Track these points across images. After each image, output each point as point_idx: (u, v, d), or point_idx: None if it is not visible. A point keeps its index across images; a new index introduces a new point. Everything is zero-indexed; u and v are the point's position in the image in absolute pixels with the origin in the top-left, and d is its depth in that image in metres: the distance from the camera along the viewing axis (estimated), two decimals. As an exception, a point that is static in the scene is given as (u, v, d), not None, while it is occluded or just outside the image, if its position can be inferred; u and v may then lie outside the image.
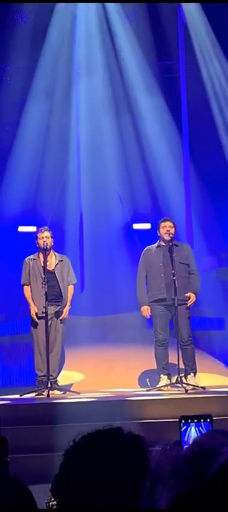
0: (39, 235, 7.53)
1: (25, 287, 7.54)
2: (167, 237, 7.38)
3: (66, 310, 7.49)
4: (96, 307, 9.71)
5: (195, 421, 2.81)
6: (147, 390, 7.34)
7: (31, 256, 7.63)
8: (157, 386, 7.35)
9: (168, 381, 7.34)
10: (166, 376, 7.37)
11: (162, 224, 7.53)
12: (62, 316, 7.44)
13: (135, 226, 10.21)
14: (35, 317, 7.32)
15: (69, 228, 10.13)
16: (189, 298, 7.36)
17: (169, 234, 7.36)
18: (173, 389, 7.21)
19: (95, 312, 9.64)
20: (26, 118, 9.90)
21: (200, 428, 2.80)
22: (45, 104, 9.90)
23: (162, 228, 7.49)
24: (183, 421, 2.83)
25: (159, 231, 7.54)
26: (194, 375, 7.38)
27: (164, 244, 7.51)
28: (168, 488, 1.19)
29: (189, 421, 2.80)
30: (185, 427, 2.79)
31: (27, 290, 7.51)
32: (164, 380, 7.35)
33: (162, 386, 7.28)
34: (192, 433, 2.80)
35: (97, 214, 10.07)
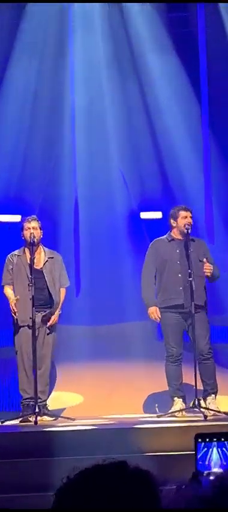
0: (26, 225, 7.52)
1: (6, 287, 7.53)
2: (185, 230, 7.38)
3: (55, 315, 7.46)
4: (95, 315, 9.71)
5: (215, 440, 2.75)
6: (157, 416, 7.34)
7: (15, 252, 7.63)
8: (170, 411, 7.35)
9: (183, 404, 7.35)
10: (181, 399, 7.38)
11: (183, 213, 7.52)
12: (50, 322, 7.42)
13: (143, 215, 10.18)
14: (14, 307, 7.28)
15: (62, 217, 10.12)
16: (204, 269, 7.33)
17: (189, 227, 7.38)
18: (189, 415, 7.20)
19: (93, 320, 9.64)
20: (7, 82, 9.86)
21: (224, 449, 2.74)
22: (32, 64, 9.87)
23: (183, 219, 7.48)
24: (199, 440, 2.78)
25: (176, 221, 7.53)
26: (215, 397, 7.37)
27: (180, 237, 7.49)
28: None
29: (208, 440, 2.74)
30: (205, 448, 2.74)
31: (8, 291, 7.49)
32: (178, 404, 7.36)
33: (175, 412, 7.28)
34: (214, 456, 2.75)
35: (96, 200, 10.05)
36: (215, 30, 9.95)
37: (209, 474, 2.87)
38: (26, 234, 7.50)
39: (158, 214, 9.98)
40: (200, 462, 2.85)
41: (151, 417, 7.54)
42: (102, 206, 10.13)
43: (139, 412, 7.99)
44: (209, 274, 7.39)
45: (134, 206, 10.27)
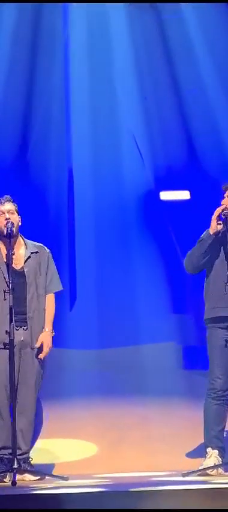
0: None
1: None
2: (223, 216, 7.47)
3: (47, 339, 7.50)
4: (96, 335, 9.75)
5: None
6: (183, 475, 7.36)
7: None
8: (200, 467, 7.36)
9: (220, 459, 7.35)
10: (217, 451, 7.38)
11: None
12: (44, 351, 7.46)
13: (164, 195, 10.22)
14: None
15: (50, 198, 10.16)
16: None
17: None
18: (226, 473, 7.19)
19: (93, 343, 9.68)
20: None
21: None
22: None
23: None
24: None
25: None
26: None
27: (221, 228, 7.56)
28: None
29: None
30: None
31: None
32: (212, 457, 7.37)
33: (208, 468, 7.29)
34: None
35: (98, 174, 10.09)
36: None
37: None
38: (0, 221, 7.52)
39: (184, 194, 10.03)
40: None
41: (173, 475, 7.54)
42: (107, 183, 10.16)
43: (156, 469, 8.00)
44: None
45: (151, 184, 10.31)
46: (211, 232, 7.51)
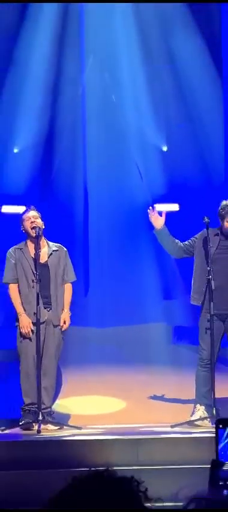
0: (26, 216, 7.50)
1: (11, 286, 7.48)
2: None
3: (66, 317, 7.42)
4: (106, 316, 9.70)
5: None
6: (171, 426, 7.23)
7: (17, 246, 7.59)
8: (188, 419, 7.27)
9: (205, 413, 7.25)
10: (203, 407, 7.28)
11: None
12: (65, 326, 7.41)
13: (158, 207, 10.13)
14: (29, 331, 7.26)
15: (70, 208, 10.11)
16: None
17: None
18: (210, 424, 7.11)
19: (103, 322, 9.63)
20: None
21: None
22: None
23: None
24: (221, 426, 2.79)
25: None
26: None
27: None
28: None
29: None
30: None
31: (14, 290, 7.45)
32: (199, 411, 7.27)
33: (195, 420, 7.20)
34: None
35: (108, 191, 10.05)
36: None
37: None
38: (27, 225, 7.45)
39: (174, 206, 9.92)
40: (222, 452, 2.87)
41: (165, 426, 7.44)
42: (114, 197, 10.12)
43: (152, 422, 7.90)
44: None
45: (148, 197, 10.23)
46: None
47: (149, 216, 7.57)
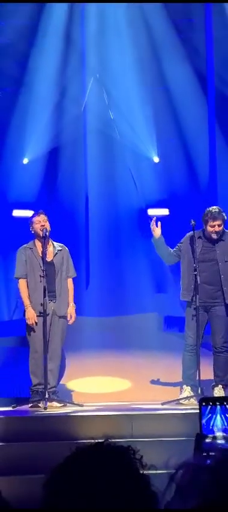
0: (36, 219, 7.51)
1: (21, 281, 7.51)
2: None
3: (72, 312, 7.45)
4: (104, 307, 9.68)
5: (218, 404, 2.75)
6: (162, 404, 7.26)
7: (26, 245, 7.60)
8: (176, 398, 7.28)
9: (191, 392, 7.27)
10: (189, 388, 7.30)
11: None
12: (71, 321, 7.44)
13: (150, 211, 10.14)
14: (33, 322, 7.28)
15: (72, 213, 10.10)
16: None
17: None
18: (195, 402, 7.12)
19: (102, 312, 9.62)
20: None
21: (227, 415, 2.75)
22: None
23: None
24: (204, 404, 2.80)
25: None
26: (224, 389, 7.31)
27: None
28: (186, 499, 1.26)
29: (211, 403, 2.74)
30: (210, 414, 2.75)
31: (24, 285, 7.47)
32: (186, 391, 7.29)
33: (182, 399, 7.22)
34: (218, 422, 2.74)
35: (106, 197, 10.03)
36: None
37: (213, 438, 2.87)
38: (37, 227, 7.48)
39: (164, 211, 9.94)
40: (205, 426, 2.88)
41: (156, 403, 7.45)
42: (111, 203, 10.12)
43: (145, 399, 7.91)
44: None
45: (141, 203, 10.24)
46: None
47: (151, 225, 7.54)
